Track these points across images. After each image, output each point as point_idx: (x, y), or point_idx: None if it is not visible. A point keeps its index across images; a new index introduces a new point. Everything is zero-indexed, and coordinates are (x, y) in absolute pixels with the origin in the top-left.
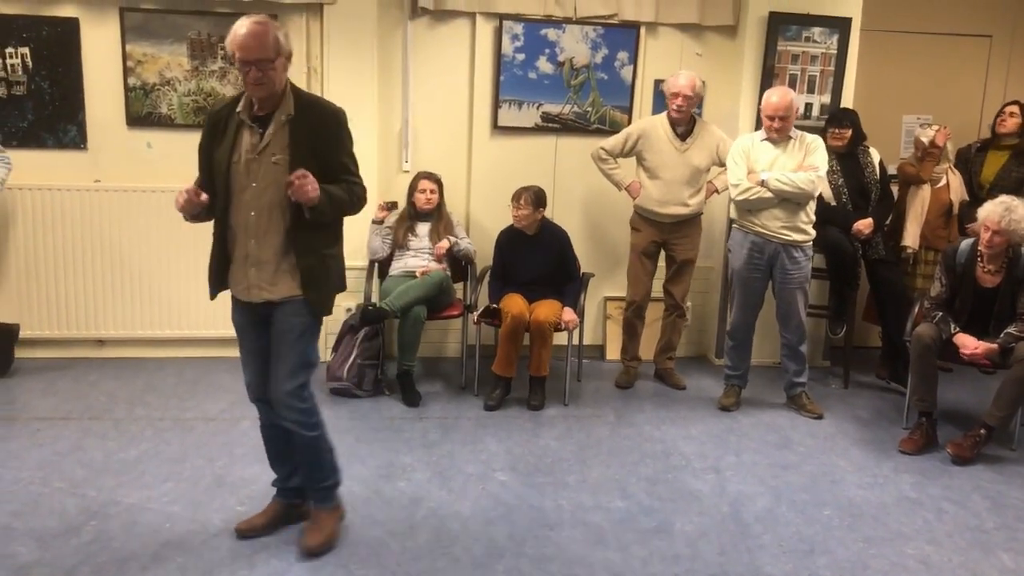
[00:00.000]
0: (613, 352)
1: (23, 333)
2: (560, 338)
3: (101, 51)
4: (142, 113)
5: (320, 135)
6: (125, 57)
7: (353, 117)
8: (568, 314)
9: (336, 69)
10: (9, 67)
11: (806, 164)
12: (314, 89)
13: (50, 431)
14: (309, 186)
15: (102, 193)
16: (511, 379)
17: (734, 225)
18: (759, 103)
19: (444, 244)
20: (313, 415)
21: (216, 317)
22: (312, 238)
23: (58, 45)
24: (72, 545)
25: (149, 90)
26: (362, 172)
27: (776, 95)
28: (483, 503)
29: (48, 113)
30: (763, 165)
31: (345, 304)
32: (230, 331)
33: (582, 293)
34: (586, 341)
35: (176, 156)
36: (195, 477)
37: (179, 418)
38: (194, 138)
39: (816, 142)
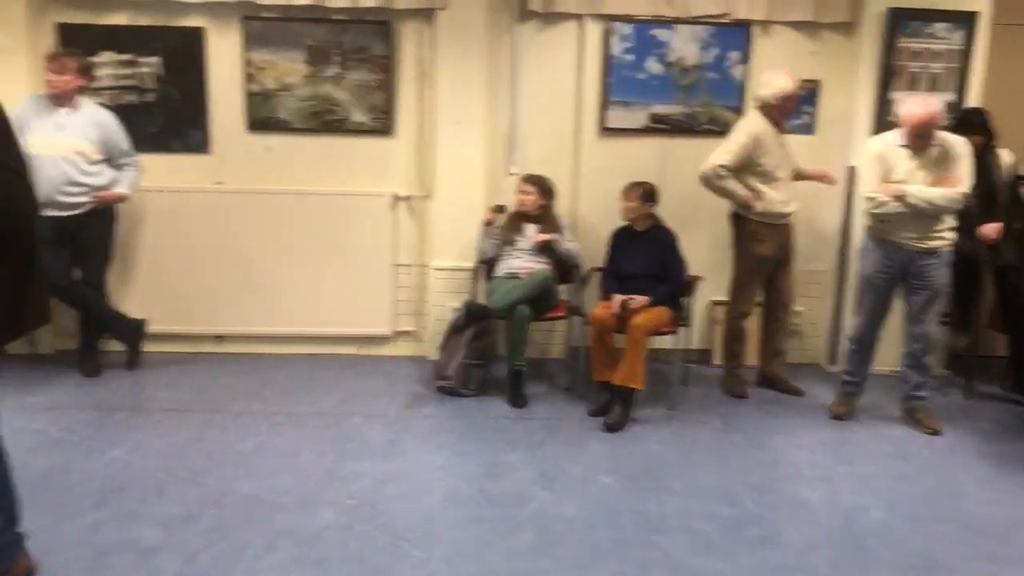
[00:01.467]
0: (720, 357)
1: (150, 328)
2: (666, 342)
3: (224, 59)
4: (261, 118)
5: None
6: (246, 64)
7: (461, 120)
8: (639, 299)
9: (445, 73)
10: (141, 76)
11: (951, 176)
12: (424, 94)
13: (173, 422)
14: None
15: (224, 195)
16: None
17: (867, 230)
18: (876, 104)
19: (544, 236)
20: None
21: (328, 315)
22: None
23: (185, 54)
24: (193, 531)
25: (268, 96)
26: (469, 175)
27: (920, 107)
28: (587, 505)
29: (175, 119)
30: (900, 175)
31: (452, 304)
32: (340, 329)
33: (684, 298)
34: (692, 346)
35: (293, 159)
36: (307, 470)
37: (292, 412)
38: (310, 142)
39: (962, 148)
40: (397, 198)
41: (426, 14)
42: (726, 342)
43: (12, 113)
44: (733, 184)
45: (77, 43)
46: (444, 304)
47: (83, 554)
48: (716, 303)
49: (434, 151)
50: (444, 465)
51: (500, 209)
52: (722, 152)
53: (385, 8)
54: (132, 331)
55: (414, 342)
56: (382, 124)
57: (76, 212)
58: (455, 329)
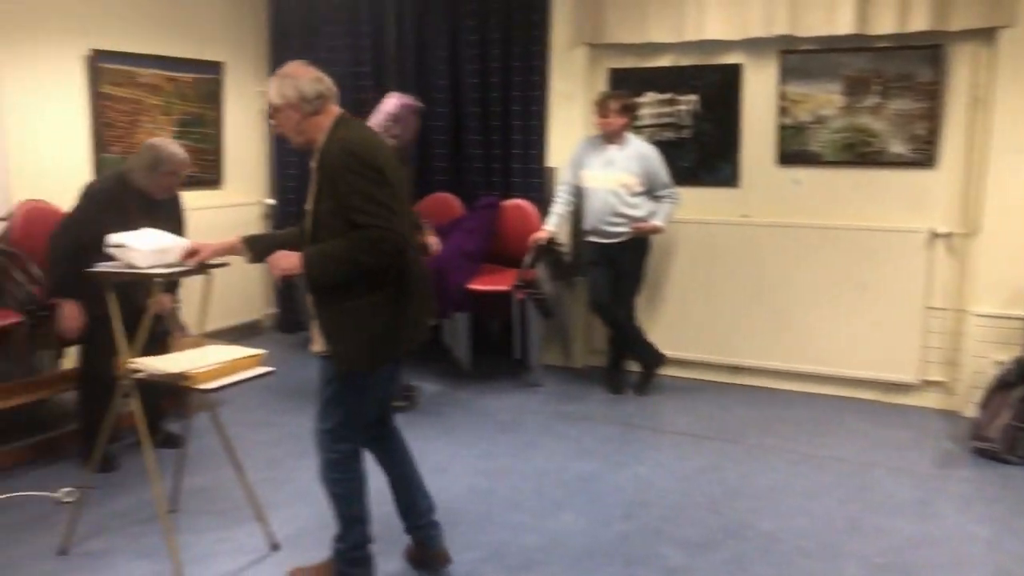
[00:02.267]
0: None
1: (670, 353)
2: None
3: (759, 93)
4: (792, 151)
5: (330, 176)
6: (781, 98)
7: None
8: None
9: (1006, 97)
10: (679, 113)
11: None
12: (975, 120)
13: (689, 447)
14: (281, 263)
15: (750, 228)
16: None
17: None
18: None
19: None
20: (334, 470)
21: (848, 356)
22: (326, 289)
23: (721, 91)
24: (713, 559)
25: (801, 128)
26: None
27: None
28: None
29: (707, 154)
30: None
31: (996, 356)
32: (861, 372)
33: None
34: None
35: (821, 193)
36: (828, 517)
37: (810, 454)
38: (841, 175)
39: None
40: (935, 235)
41: (985, 34)
42: None
43: (570, 152)
44: None
45: (625, 85)
46: (986, 355)
47: (614, 561)
48: None
49: (984, 184)
50: (990, 538)
51: None
52: None
53: (937, 31)
54: (652, 358)
55: (944, 394)
56: (923, 155)
57: (616, 240)
58: (1002, 385)
